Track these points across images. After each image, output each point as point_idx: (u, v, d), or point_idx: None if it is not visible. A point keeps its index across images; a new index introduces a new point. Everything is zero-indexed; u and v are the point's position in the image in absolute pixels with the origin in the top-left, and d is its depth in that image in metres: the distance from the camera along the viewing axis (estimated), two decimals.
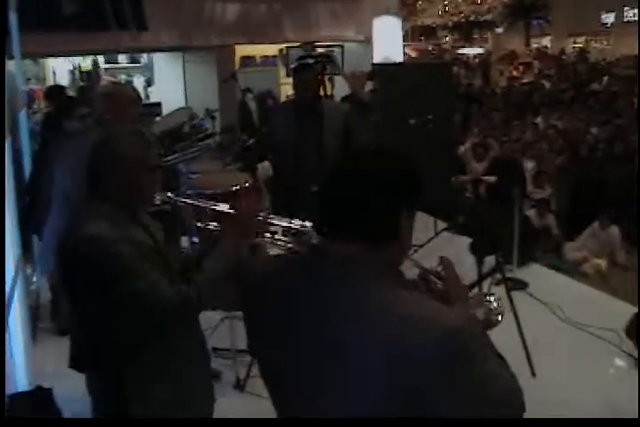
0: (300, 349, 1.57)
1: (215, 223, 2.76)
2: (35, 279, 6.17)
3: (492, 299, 1.98)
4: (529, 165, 10.48)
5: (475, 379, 1.46)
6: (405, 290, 1.62)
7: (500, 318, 1.97)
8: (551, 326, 5.53)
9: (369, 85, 8.44)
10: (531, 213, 9.11)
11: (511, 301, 3.14)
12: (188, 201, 2.88)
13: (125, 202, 2.49)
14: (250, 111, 12.34)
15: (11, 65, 6.45)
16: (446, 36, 33.95)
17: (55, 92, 8.34)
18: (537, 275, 6.93)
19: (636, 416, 3.59)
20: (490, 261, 4.15)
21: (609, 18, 34.81)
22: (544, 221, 9.10)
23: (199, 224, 2.82)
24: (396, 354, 1.43)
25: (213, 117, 7.75)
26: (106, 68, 13.00)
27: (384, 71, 8.86)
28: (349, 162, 1.68)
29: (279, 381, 1.67)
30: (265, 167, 7.81)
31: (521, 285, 6.29)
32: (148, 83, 13.19)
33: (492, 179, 3.31)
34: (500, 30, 24.14)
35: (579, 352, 5.05)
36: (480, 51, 22.51)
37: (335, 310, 1.52)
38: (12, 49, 6.54)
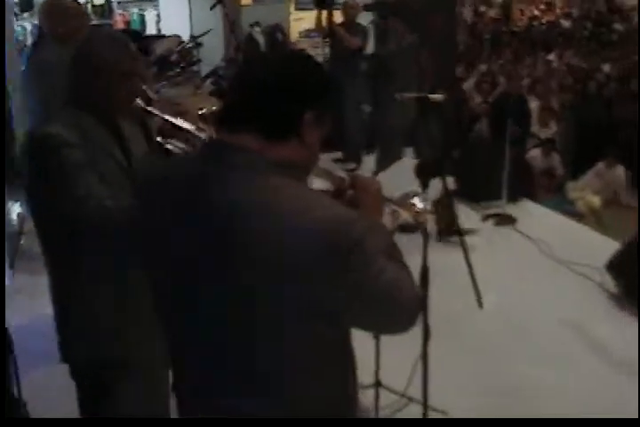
0: (192, 236, 1.54)
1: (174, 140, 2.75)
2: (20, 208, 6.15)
3: (417, 200, 1.95)
4: (535, 103, 10.27)
5: (363, 272, 1.48)
6: (301, 185, 1.59)
7: (426, 218, 1.96)
8: (535, 262, 5.47)
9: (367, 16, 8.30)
10: (536, 152, 8.96)
11: (460, 234, 3.08)
12: (155, 111, 2.88)
13: (97, 107, 2.43)
14: (257, 44, 12.20)
15: None
16: None
17: None
18: (530, 212, 6.88)
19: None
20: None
21: None
22: (548, 161, 8.95)
23: (159, 139, 2.79)
24: (286, 243, 1.43)
25: (198, 44, 7.61)
26: (119, 2, 12.77)
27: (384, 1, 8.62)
28: (254, 60, 1.71)
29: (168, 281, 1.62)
30: None
31: (508, 220, 6.25)
32: (160, 17, 12.98)
33: (438, 97, 3.16)
34: None
35: (558, 287, 4.99)
36: None
37: (225, 199, 1.49)
38: None
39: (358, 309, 1.53)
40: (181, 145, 2.79)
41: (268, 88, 1.55)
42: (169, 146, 2.81)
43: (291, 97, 1.56)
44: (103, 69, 2.40)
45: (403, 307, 1.60)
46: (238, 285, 1.47)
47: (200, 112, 3.74)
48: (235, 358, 1.54)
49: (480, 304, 3.20)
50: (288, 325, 1.48)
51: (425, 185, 2.65)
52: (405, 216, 1.95)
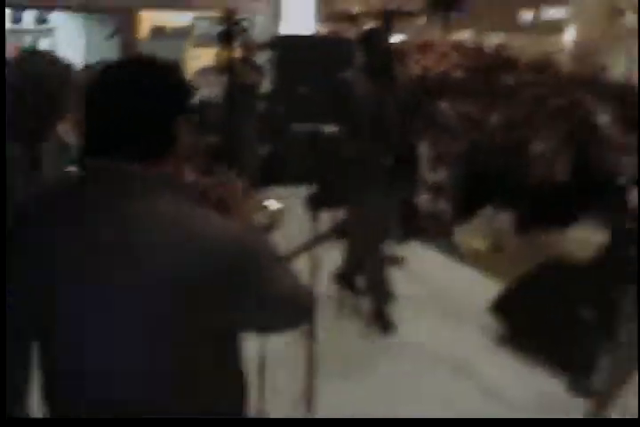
0: (80, 267, 1.48)
1: None
2: None
3: (269, 204, 2.11)
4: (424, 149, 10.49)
5: (261, 281, 1.52)
6: (189, 204, 1.56)
7: (280, 220, 2.08)
8: (423, 302, 5.63)
9: (265, 55, 8.44)
10: (424, 196, 9.13)
11: None
12: None
13: None
14: None
15: None
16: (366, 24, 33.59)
17: None
18: (417, 253, 7.20)
19: None
20: None
21: (528, 16, 35.18)
22: (437, 205, 9.13)
23: None
24: (182, 268, 1.42)
25: None
26: (13, 31, 12.40)
27: (282, 42, 8.73)
28: (107, 78, 1.57)
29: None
30: None
31: (396, 260, 6.34)
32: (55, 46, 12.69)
33: (333, 129, 3.18)
34: (420, 22, 24.36)
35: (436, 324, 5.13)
36: (399, 39, 22.54)
37: (116, 229, 1.45)
38: None
39: (262, 313, 1.57)
40: None
41: (134, 101, 1.49)
42: None
43: (160, 105, 1.52)
44: None
45: (303, 308, 1.68)
46: (139, 313, 1.45)
47: None
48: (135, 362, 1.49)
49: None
50: (189, 335, 1.47)
51: (314, 217, 2.62)
52: (262, 219, 2.04)
